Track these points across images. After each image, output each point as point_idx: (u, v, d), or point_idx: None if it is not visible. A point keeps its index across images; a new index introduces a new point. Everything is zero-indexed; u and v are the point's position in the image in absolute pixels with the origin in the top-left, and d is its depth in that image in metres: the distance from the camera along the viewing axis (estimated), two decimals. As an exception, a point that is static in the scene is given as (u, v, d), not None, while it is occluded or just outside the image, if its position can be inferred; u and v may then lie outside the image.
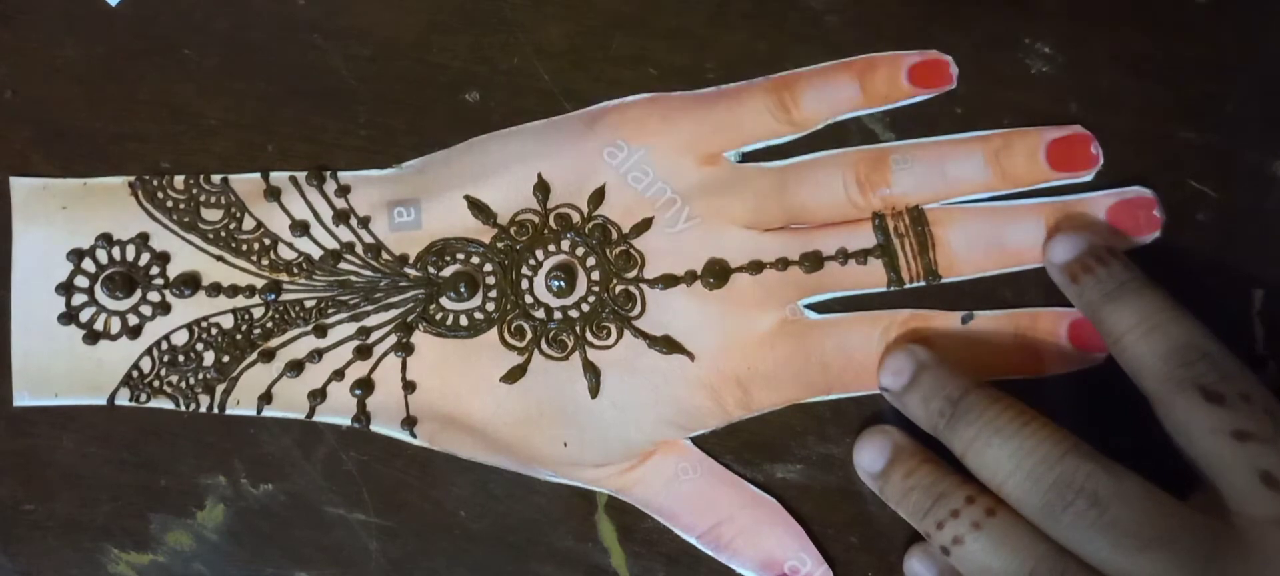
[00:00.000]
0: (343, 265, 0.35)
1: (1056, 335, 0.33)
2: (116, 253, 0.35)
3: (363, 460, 0.35)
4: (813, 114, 0.35)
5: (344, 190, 0.35)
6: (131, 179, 0.35)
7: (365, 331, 0.35)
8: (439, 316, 0.35)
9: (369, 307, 0.35)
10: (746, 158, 0.35)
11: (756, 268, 0.34)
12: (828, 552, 0.34)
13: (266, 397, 0.34)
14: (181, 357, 0.35)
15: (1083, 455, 0.28)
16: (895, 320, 0.34)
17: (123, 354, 0.35)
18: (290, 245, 0.35)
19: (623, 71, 0.36)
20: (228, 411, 0.34)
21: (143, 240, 0.35)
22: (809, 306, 0.34)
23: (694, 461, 0.34)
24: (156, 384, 0.34)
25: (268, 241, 0.35)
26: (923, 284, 0.34)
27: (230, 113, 0.36)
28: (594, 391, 0.34)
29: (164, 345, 0.35)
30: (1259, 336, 0.34)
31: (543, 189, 0.35)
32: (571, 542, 0.34)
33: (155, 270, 0.35)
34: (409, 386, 0.34)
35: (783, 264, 0.34)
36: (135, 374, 0.34)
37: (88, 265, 0.35)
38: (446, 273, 0.35)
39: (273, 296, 0.35)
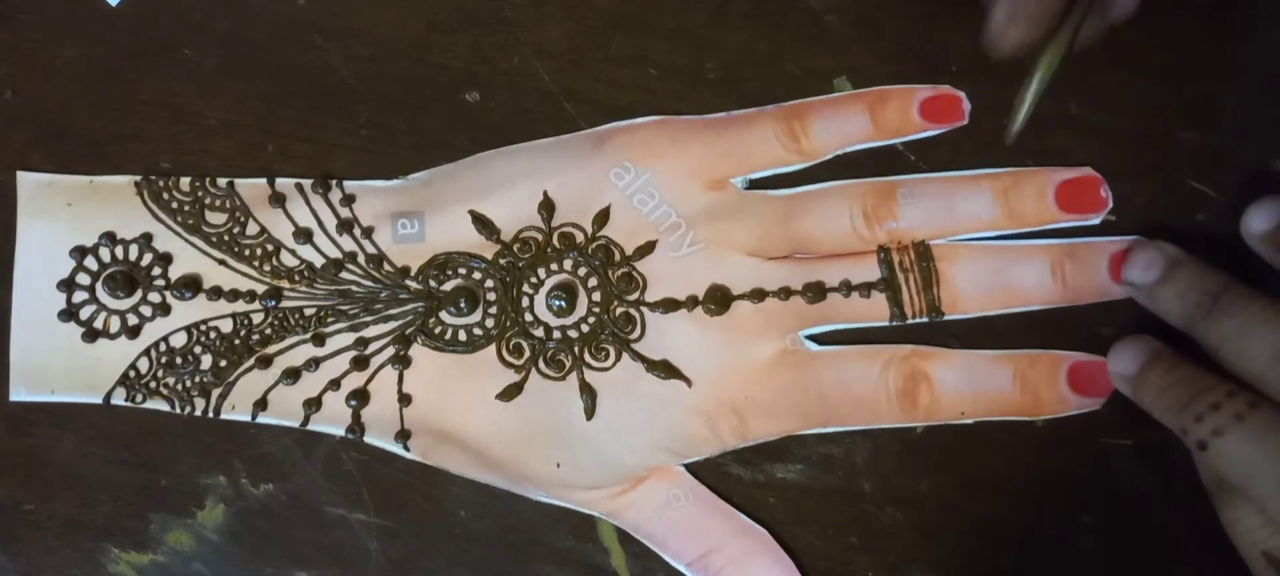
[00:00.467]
0: (344, 274, 0.35)
1: (1056, 378, 0.33)
2: (119, 252, 0.35)
3: (363, 460, 0.35)
4: (822, 144, 0.34)
5: (349, 199, 0.35)
6: (137, 178, 0.35)
7: (363, 342, 0.35)
8: (438, 330, 0.35)
9: (368, 318, 0.35)
10: (753, 185, 0.35)
11: (758, 296, 0.34)
12: (828, 552, 0.34)
13: (262, 404, 0.34)
14: (179, 360, 0.35)
15: None
16: (896, 355, 0.34)
17: (121, 353, 0.35)
18: (293, 252, 0.35)
19: (623, 71, 0.36)
20: (223, 416, 0.34)
21: (146, 240, 0.35)
22: (810, 337, 0.34)
23: (686, 488, 0.34)
24: (153, 385, 0.34)
25: (270, 247, 0.35)
26: (925, 320, 0.34)
27: (230, 113, 0.36)
28: (589, 413, 0.34)
29: (162, 346, 0.35)
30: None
31: (548, 207, 0.35)
32: (571, 542, 0.35)
33: (157, 271, 0.35)
34: (405, 399, 0.34)
35: (785, 293, 0.34)
36: (132, 374, 0.34)
37: (90, 263, 0.35)
38: (447, 287, 0.35)
39: (273, 303, 0.35)
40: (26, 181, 0.35)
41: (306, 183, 0.35)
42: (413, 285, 0.35)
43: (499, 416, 0.34)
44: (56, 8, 0.36)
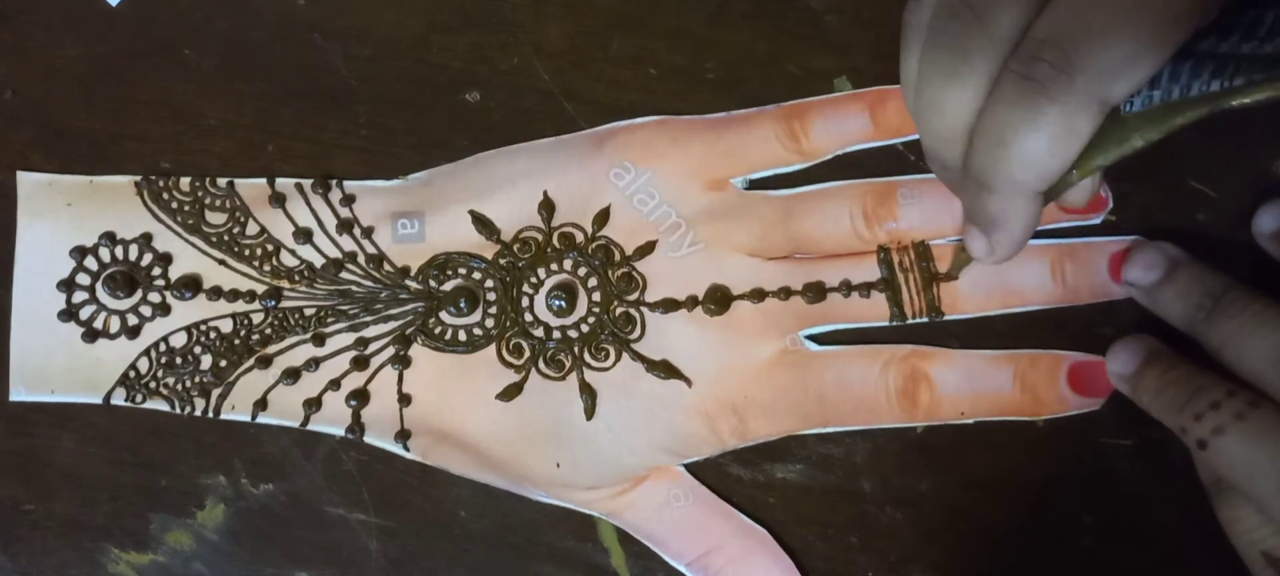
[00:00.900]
0: (344, 274, 0.35)
1: (1056, 378, 0.33)
2: (119, 252, 0.35)
3: (363, 460, 0.35)
4: (822, 144, 0.34)
5: (349, 199, 0.35)
6: (137, 178, 0.35)
7: (363, 342, 0.35)
8: (438, 330, 0.35)
9: (368, 318, 0.35)
10: (753, 185, 0.35)
11: (758, 296, 0.34)
12: (827, 552, 0.34)
13: (262, 404, 0.34)
14: (179, 360, 0.35)
15: None
16: (896, 355, 0.34)
17: (121, 353, 0.35)
18: (293, 252, 0.35)
19: (623, 71, 0.36)
20: (223, 416, 0.34)
21: (146, 240, 0.35)
22: (810, 337, 0.34)
23: (686, 488, 0.34)
24: (153, 385, 0.34)
25: (270, 247, 0.35)
26: (925, 320, 0.34)
27: (230, 113, 0.36)
28: (589, 413, 0.34)
29: (162, 347, 0.35)
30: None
31: (548, 207, 0.35)
32: (571, 542, 0.35)
33: (157, 271, 0.35)
34: (404, 399, 0.34)
35: (785, 293, 0.34)
36: (132, 374, 0.34)
37: (90, 263, 0.35)
38: (447, 287, 0.35)
39: (273, 303, 0.35)
40: (26, 181, 0.35)
41: (306, 183, 0.35)
42: (413, 285, 0.35)
43: (499, 416, 0.34)
44: (56, 8, 0.36)
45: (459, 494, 0.35)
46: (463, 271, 0.35)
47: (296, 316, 0.35)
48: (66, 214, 0.35)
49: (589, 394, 0.34)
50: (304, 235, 0.35)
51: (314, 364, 0.34)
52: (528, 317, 0.34)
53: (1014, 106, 0.24)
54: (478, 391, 0.34)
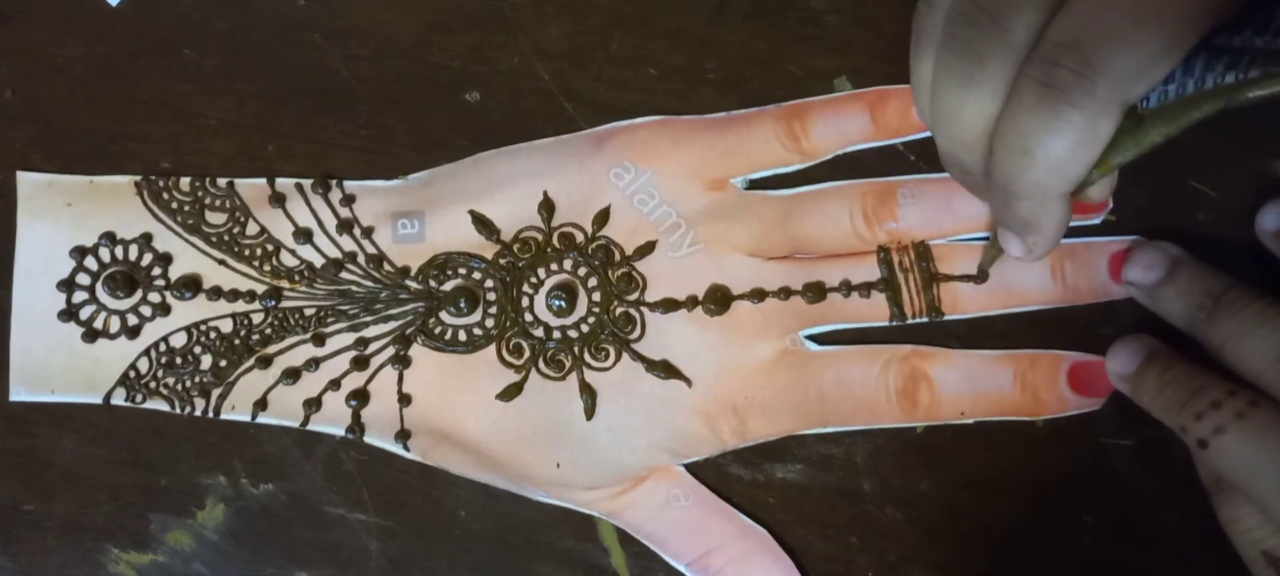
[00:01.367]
0: (344, 274, 0.35)
1: (1056, 378, 0.33)
2: (119, 252, 0.35)
3: (363, 460, 0.35)
4: (822, 144, 0.34)
5: (349, 199, 0.35)
6: (137, 178, 0.35)
7: (363, 342, 0.35)
8: (438, 330, 0.35)
9: (368, 318, 0.35)
10: (754, 185, 0.35)
11: (758, 296, 0.34)
12: (828, 552, 0.34)
13: (262, 404, 0.34)
14: (179, 360, 0.35)
15: None
16: (896, 355, 0.34)
17: (121, 353, 0.35)
18: (293, 252, 0.35)
19: (623, 71, 0.36)
20: (223, 416, 0.34)
21: (146, 240, 0.35)
22: (809, 337, 0.34)
23: (686, 488, 0.34)
24: (153, 385, 0.34)
25: (270, 247, 0.35)
26: (925, 320, 0.34)
27: (230, 113, 0.36)
28: (589, 413, 0.34)
29: (162, 347, 0.35)
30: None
31: (548, 207, 0.35)
32: (571, 542, 0.35)
33: (157, 271, 0.35)
34: (404, 399, 0.34)
35: (785, 293, 0.34)
36: (132, 374, 0.34)
37: (90, 263, 0.35)
38: (447, 287, 0.35)
39: (273, 303, 0.35)
40: (26, 181, 0.35)
41: (306, 183, 0.35)
42: (413, 285, 0.35)
43: (499, 416, 0.34)
44: (56, 8, 0.36)
45: (459, 494, 0.35)
46: (463, 271, 0.35)
47: (296, 316, 0.35)
48: (66, 214, 0.35)
49: (589, 394, 0.34)
50: (304, 235, 0.35)
51: (314, 364, 0.34)
52: (528, 317, 0.34)
53: (1036, 114, 0.24)
54: (478, 391, 0.34)
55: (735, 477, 0.34)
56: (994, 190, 0.26)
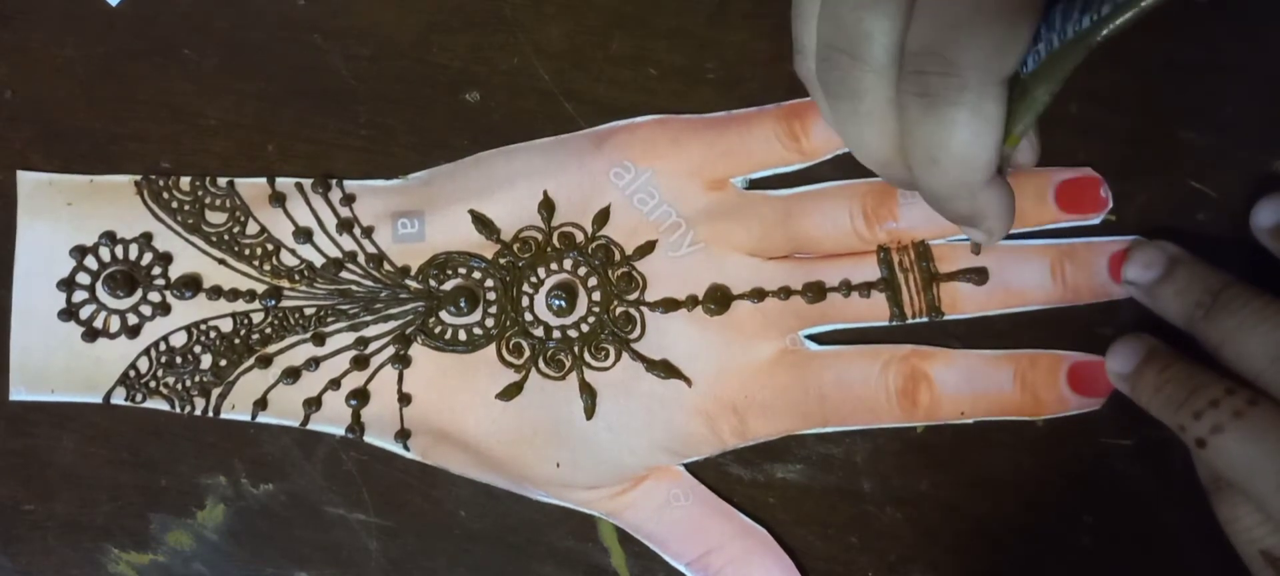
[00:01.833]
0: (344, 274, 0.35)
1: (1056, 378, 0.33)
2: (119, 251, 0.35)
3: (363, 460, 0.35)
4: (822, 144, 0.34)
5: (349, 199, 0.35)
6: (138, 178, 0.35)
7: (363, 342, 0.35)
8: (438, 330, 0.35)
9: (368, 318, 0.35)
10: (754, 185, 0.35)
11: (758, 296, 0.34)
12: (827, 552, 0.34)
13: (262, 403, 0.34)
14: (179, 359, 0.35)
15: None
16: (896, 355, 0.34)
17: (121, 353, 0.35)
18: (293, 252, 0.35)
19: (622, 71, 0.36)
20: (223, 416, 0.34)
21: (146, 240, 0.35)
22: (809, 337, 0.34)
23: (686, 488, 0.34)
24: (153, 384, 0.34)
25: (270, 247, 0.35)
26: (925, 320, 0.34)
27: (230, 113, 0.36)
28: (589, 413, 0.34)
29: (162, 346, 0.35)
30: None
31: (548, 206, 0.35)
32: (571, 542, 0.35)
33: (157, 270, 0.35)
34: (404, 399, 0.34)
35: (785, 293, 0.34)
36: (132, 373, 0.34)
37: (90, 262, 0.35)
38: (447, 286, 0.35)
39: (273, 302, 0.35)
40: (26, 181, 0.35)
41: (306, 182, 0.35)
42: (413, 285, 0.35)
43: (499, 416, 0.34)
44: (56, 8, 0.36)
45: (459, 494, 0.35)
46: (463, 271, 0.35)
47: (296, 316, 0.35)
48: (66, 213, 0.35)
49: (589, 393, 0.34)
50: (304, 235, 0.35)
51: (314, 363, 0.34)
52: (528, 317, 0.34)
53: (925, 125, 0.24)
54: (478, 391, 0.34)
55: (735, 477, 0.34)
56: (926, 199, 0.27)
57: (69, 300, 0.35)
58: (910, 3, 0.24)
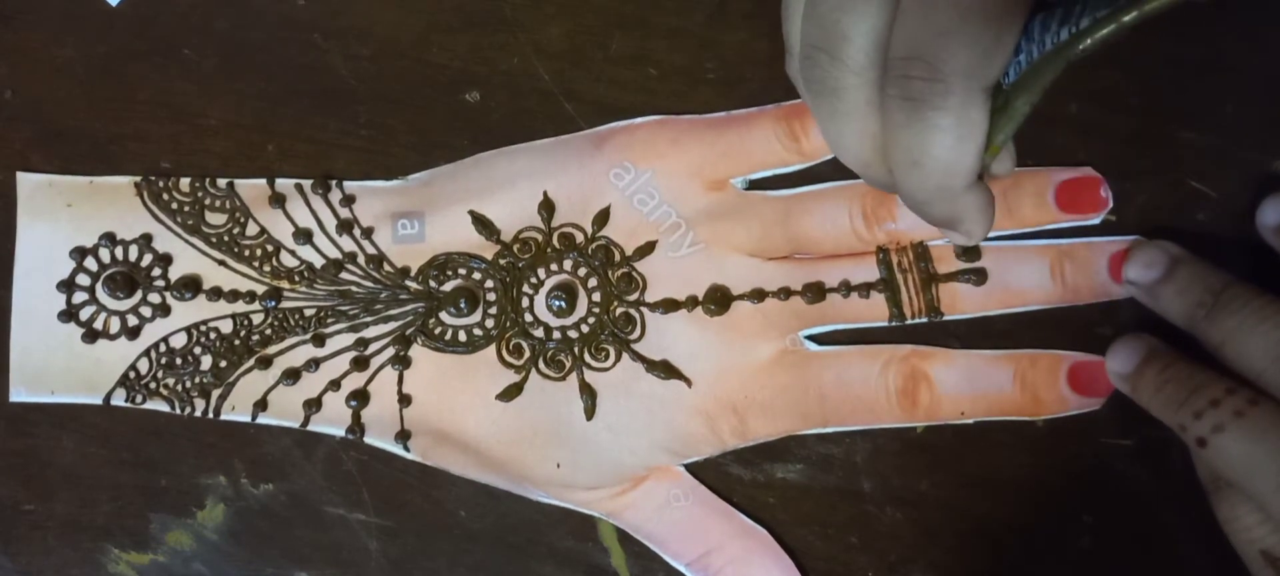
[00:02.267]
0: (344, 275, 0.35)
1: (1056, 378, 0.33)
2: (119, 252, 0.35)
3: (363, 460, 0.35)
4: (822, 144, 0.34)
5: (349, 200, 0.35)
6: (137, 179, 0.35)
7: (363, 343, 0.35)
8: (438, 331, 0.35)
9: (368, 319, 0.35)
10: (754, 185, 0.35)
11: (758, 296, 0.34)
12: (827, 552, 0.34)
13: (262, 404, 0.34)
14: (179, 360, 0.35)
15: None
16: (896, 355, 0.34)
17: (121, 354, 0.35)
18: (293, 253, 0.35)
19: (622, 71, 0.36)
20: (223, 417, 0.34)
21: (146, 241, 0.35)
22: (809, 338, 0.34)
23: (686, 488, 0.34)
24: (153, 386, 0.34)
25: (270, 248, 0.35)
26: (925, 320, 0.34)
27: (230, 113, 0.36)
28: (589, 413, 0.34)
29: (162, 347, 0.35)
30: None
31: (548, 207, 0.35)
32: (571, 542, 0.35)
33: (157, 271, 0.35)
34: (404, 400, 0.34)
35: (785, 293, 0.34)
36: (132, 375, 0.34)
37: (90, 263, 0.35)
38: (447, 287, 0.35)
39: (273, 303, 0.35)
40: (26, 182, 0.35)
41: (306, 183, 0.35)
42: (413, 285, 0.35)
43: (499, 417, 0.34)
44: (56, 8, 0.36)
45: (459, 494, 0.35)
46: (463, 272, 0.35)
47: (296, 317, 0.35)
48: (66, 214, 0.35)
49: (589, 394, 0.34)
50: (304, 236, 0.35)
51: (314, 364, 0.34)
52: (528, 318, 0.34)
53: (908, 129, 0.24)
54: (478, 391, 0.34)
55: (735, 477, 0.35)
56: (907, 201, 0.27)
57: (69, 301, 0.35)
58: (893, 6, 0.24)
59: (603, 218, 0.35)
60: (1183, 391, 0.29)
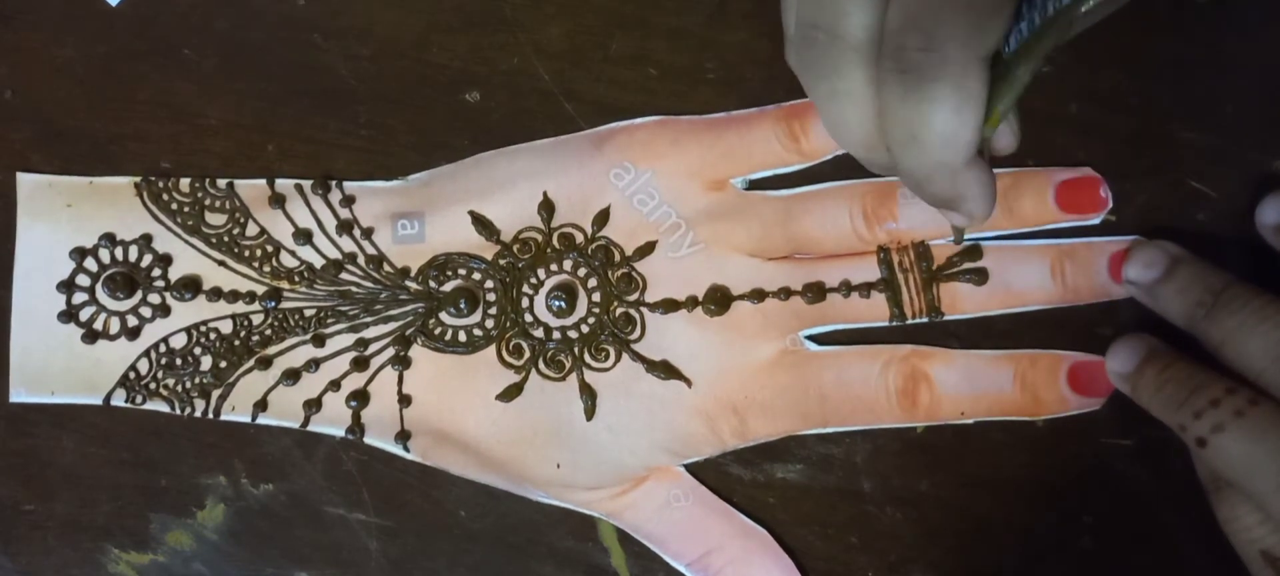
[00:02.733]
0: (344, 275, 0.35)
1: (1056, 378, 0.33)
2: (119, 253, 0.35)
3: (363, 460, 0.35)
4: (822, 144, 0.34)
5: (349, 200, 0.35)
6: (137, 179, 0.35)
7: (363, 343, 0.35)
8: (438, 331, 0.35)
9: (368, 319, 0.35)
10: (754, 185, 0.35)
11: (758, 296, 0.34)
12: (827, 552, 0.34)
13: (262, 405, 0.34)
14: (179, 361, 0.35)
15: None
16: (896, 355, 0.34)
17: (120, 354, 0.35)
18: (293, 253, 0.35)
19: (622, 71, 0.36)
20: (223, 417, 0.34)
21: (146, 241, 0.35)
22: (809, 338, 0.34)
23: (686, 488, 0.34)
24: (153, 386, 0.34)
25: (270, 248, 0.35)
26: (925, 320, 0.34)
27: (230, 113, 0.36)
28: (589, 413, 0.34)
29: (162, 348, 0.35)
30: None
31: (548, 207, 0.35)
32: (571, 542, 0.35)
33: (157, 272, 0.35)
34: (405, 400, 0.34)
35: (785, 293, 0.34)
36: (132, 375, 0.34)
37: (90, 264, 0.35)
38: (447, 287, 0.35)
39: (273, 304, 0.35)
40: (26, 182, 0.35)
41: (306, 183, 0.35)
42: (413, 286, 0.35)
43: (499, 417, 0.34)
44: (56, 8, 0.36)
45: (459, 494, 0.35)
46: (463, 272, 0.35)
47: (296, 317, 0.35)
48: (66, 215, 0.35)
49: (589, 394, 0.34)
50: (304, 236, 0.35)
51: (314, 365, 0.34)
52: (528, 318, 0.34)
53: (906, 102, 0.24)
54: (478, 392, 0.34)
55: (735, 477, 0.35)
56: (907, 180, 0.26)
57: (69, 302, 0.35)
58: None
59: (603, 218, 0.35)
60: (1183, 391, 0.29)
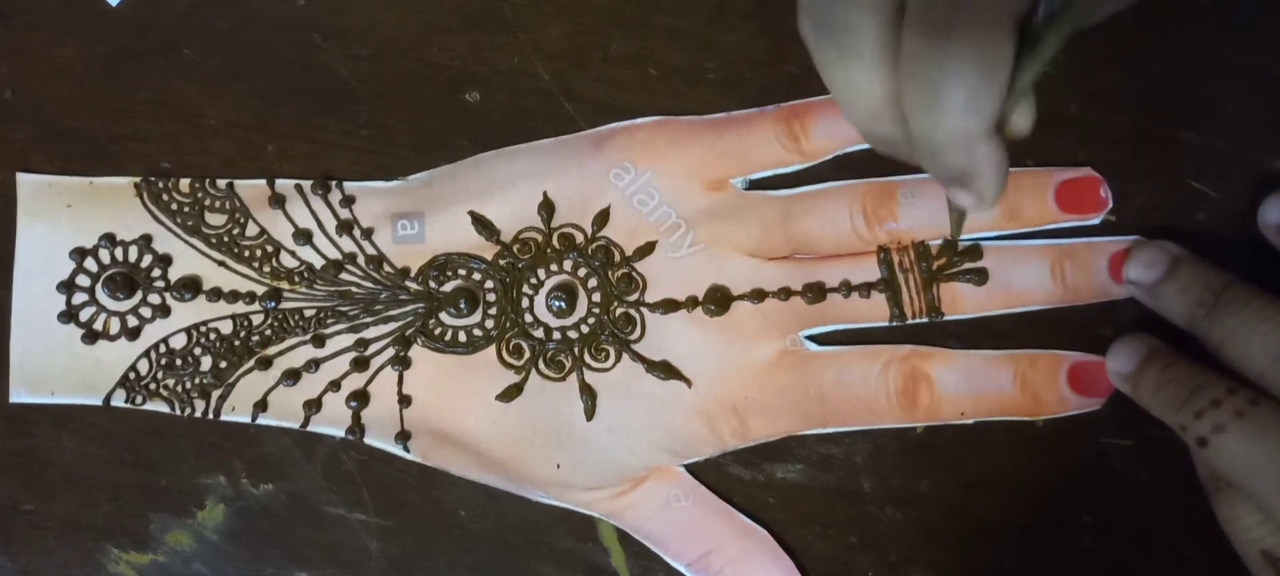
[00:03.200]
0: (344, 276, 0.35)
1: (1056, 378, 0.33)
2: (119, 253, 0.35)
3: (363, 460, 0.35)
4: (822, 144, 0.34)
5: (349, 200, 0.35)
6: (137, 180, 0.35)
7: (363, 343, 0.35)
8: (438, 331, 0.35)
9: (368, 319, 0.35)
10: (754, 185, 0.35)
11: (758, 296, 0.34)
12: (827, 552, 0.34)
13: (262, 405, 0.34)
14: (179, 361, 0.35)
15: None
16: (896, 355, 0.34)
17: (120, 355, 0.35)
18: (293, 253, 0.35)
19: (622, 71, 0.36)
20: (223, 417, 0.34)
21: (146, 242, 0.35)
22: (809, 338, 0.34)
23: (686, 488, 0.34)
24: (153, 386, 0.34)
25: (270, 248, 0.35)
26: (925, 320, 0.34)
27: (230, 113, 0.36)
28: (589, 414, 0.34)
29: (162, 348, 0.35)
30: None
31: (547, 208, 0.35)
32: (571, 542, 0.35)
33: (157, 272, 0.35)
34: (404, 400, 0.34)
35: (785, 293, 0.34)
36: (132, 375, 0.34)
37: (90, 264, 0.35)
38: (447, 288, 0.35)
39: (273, 304, 0.35)
40: (26, 182, 0.35)
41: (306, 184, 0.35)
42: (412, 286, 0.35)
43: (499, 417, 0.34)
44: (56, 8, 0.36)
45: (459, 494, 0.35)
46: (462, 272, 0.35)
47: (296, 317, 0.35)
48: (66, 215, 0.35)
49: (589, 394, 0.34)
50: (304, 236, 0.35)
51: (314, 365, 0.34)
52: (528, 318, 0.34)
53: (930, 59, 0.23)
54: (478, 392, 0.34)
55: (735, 477, 0.35)
56: (920, 151, 0.25)
57: (69, 302, 0.35)
58: None
59: (603, 218, 0.35)
60: (1183, 391, 0.29)
